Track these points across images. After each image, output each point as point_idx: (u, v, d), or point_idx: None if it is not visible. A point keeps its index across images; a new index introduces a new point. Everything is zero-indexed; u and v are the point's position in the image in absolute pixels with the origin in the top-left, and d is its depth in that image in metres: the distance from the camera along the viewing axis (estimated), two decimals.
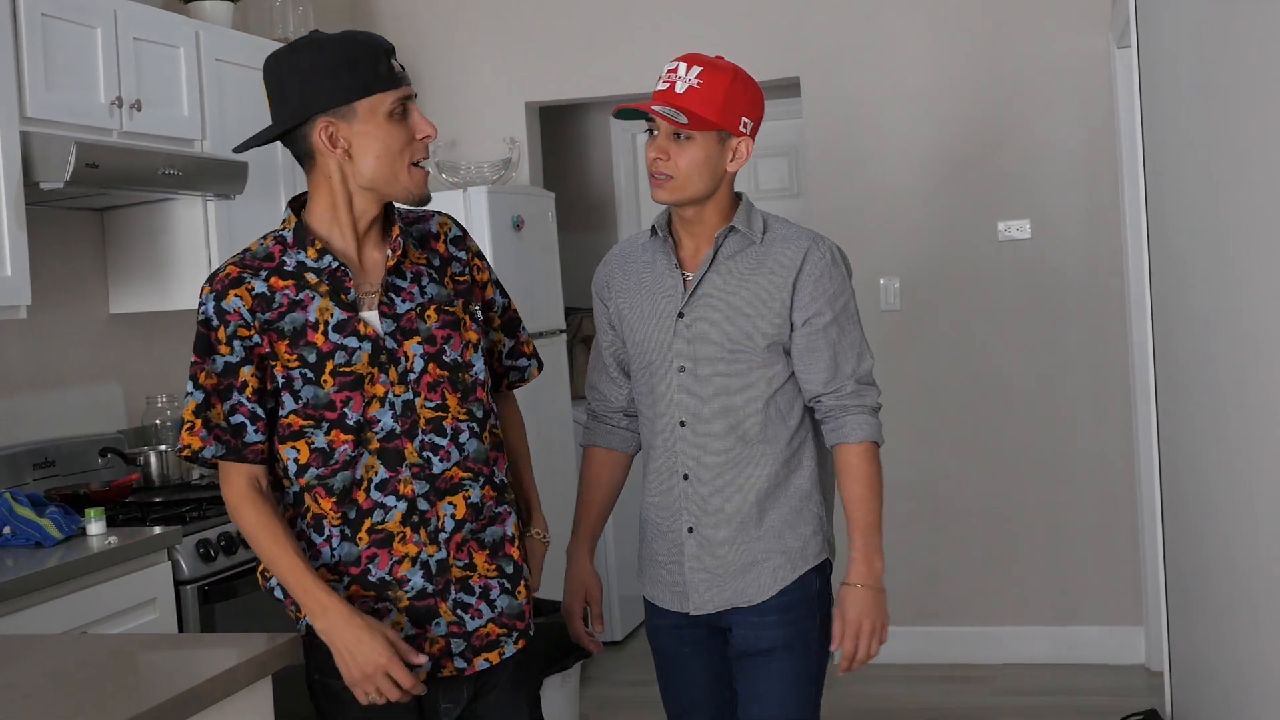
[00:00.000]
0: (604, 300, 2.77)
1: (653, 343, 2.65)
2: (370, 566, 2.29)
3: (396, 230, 2.33)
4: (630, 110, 2.59)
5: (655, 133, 2.58)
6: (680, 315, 2.62)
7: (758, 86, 2.61)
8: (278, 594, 2.35)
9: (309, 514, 2.30)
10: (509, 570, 2.39)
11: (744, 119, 2.56)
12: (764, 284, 2.59)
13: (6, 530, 3.13)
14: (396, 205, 2.37)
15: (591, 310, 7.01)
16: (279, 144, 4.26)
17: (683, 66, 2.56)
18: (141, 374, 4.24)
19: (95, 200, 3.85)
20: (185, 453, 2.27)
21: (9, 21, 3.31)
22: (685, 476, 2.63)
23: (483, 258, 2.50)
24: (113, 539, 3.15)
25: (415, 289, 2.34)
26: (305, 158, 2.30)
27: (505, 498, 2.41)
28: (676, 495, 2.65)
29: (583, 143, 6.66)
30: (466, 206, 4.97)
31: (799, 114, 5.50)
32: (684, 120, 2.51)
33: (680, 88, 2.55)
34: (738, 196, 2.66)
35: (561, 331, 5.60)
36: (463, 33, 5.66)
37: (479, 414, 2.37)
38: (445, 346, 2.34)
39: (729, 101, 2.54)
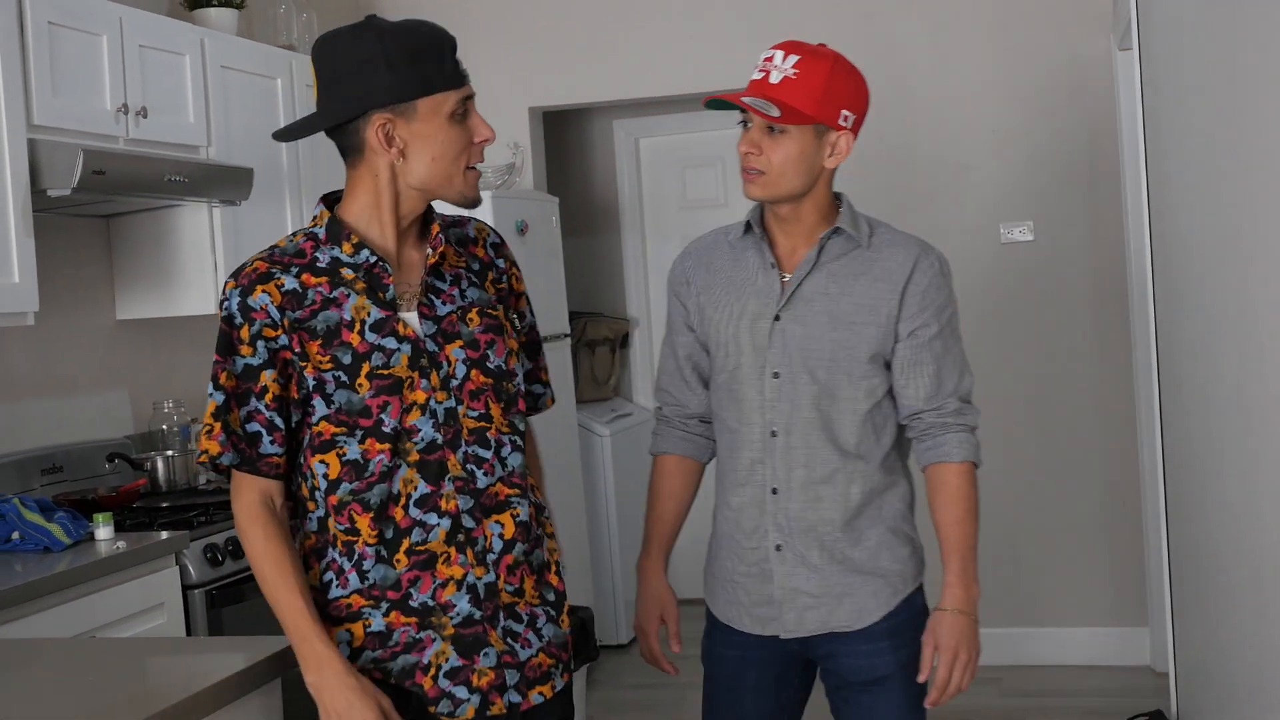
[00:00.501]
0: (682, 298, 2.59)
1: (742, 346, 2.48)
2: (412, 590, 2.09)
3: (436, 229, 2.17)
4: (720, 101, 2.41)
5: (749, 125, 2.42)
6: (776, 318, 2.46)
7: (861, 77, 2.44)
8: None
9: (339, 540, 2.11)
10: (551, 597, 2.23)
11: (844, 112, 2.40)
12: (870, 291, 2.44)
13: (15, 535, 3.14)
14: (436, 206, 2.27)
15: (596, 315, 6.92)
16: (283, 148, 4.32)
17: (779, 55, 2.41)
18: (148, 379, 4.26)
19: (101, 207, 3.87)
20: (203, 458, 2.10)
21: (16, 30, 3.32)
22: (774, 491, 2.47)
23: (519, 268, 2.35)
24: (121, 544, 3.16)
25: (456, 291, 2.17)
26: (352, 151, 2.12)
27: (543, 518, 2.27)
28: (763, 510, 2.48)
29: (586, 147, 6.68)
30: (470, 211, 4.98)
31: None
32: (776, 114, 2.35)
33: (775, 78, 2.39)
34: (838, 196, 2.52)
35: (566, 336, 5.62)
36: (466, 38, 5.63)
37: (520, 427, 2.23)
38: (489, 352, 2.17)
39: (828, 93, 2.37)
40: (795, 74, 2.37)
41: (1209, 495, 3.27)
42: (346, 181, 2.16)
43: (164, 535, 3.29)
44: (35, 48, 3.37)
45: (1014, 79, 5.16)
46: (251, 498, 2.11)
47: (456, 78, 2.10)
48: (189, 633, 3.29)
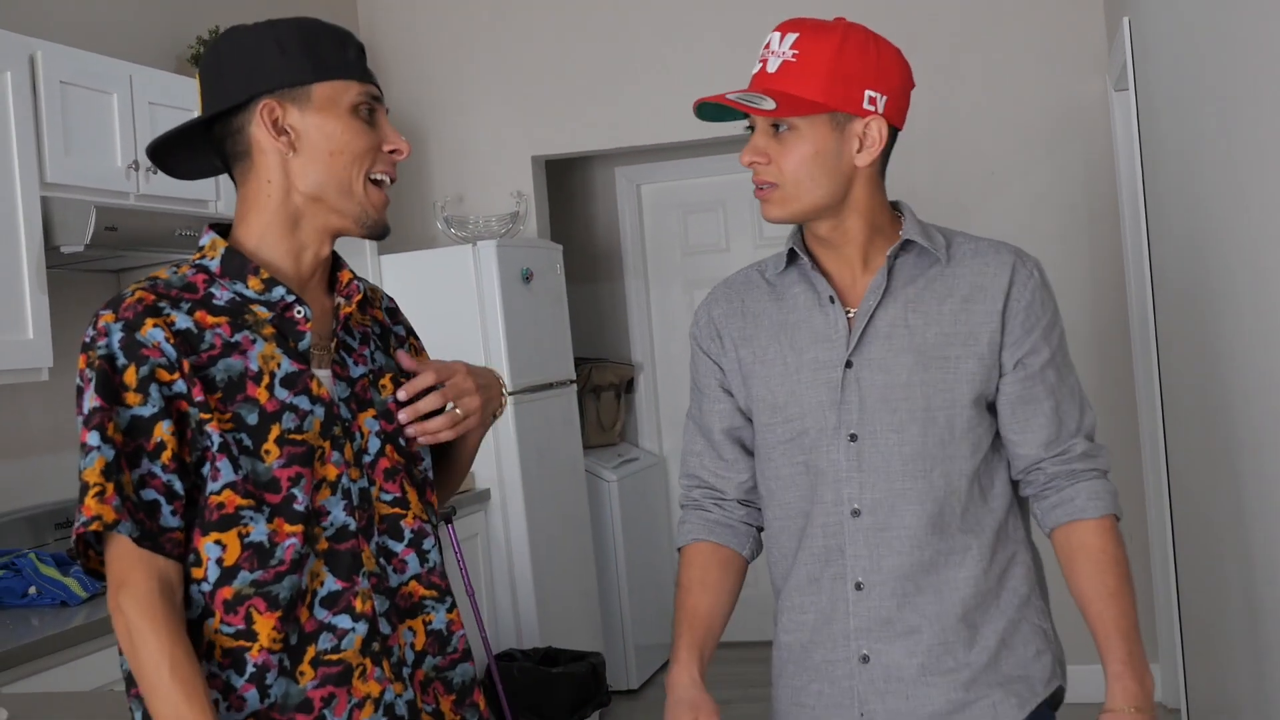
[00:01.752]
0: (713, 356, 2.08)
1: (805, 404, 1.97)
2: (325, 713, 1.67)
3: (348, 275, 1.83)
4: (711, 106, 1.94)
5: (753, 129, 1.95)
6: (848, 365, 1.95)
7: (888, 48, 1.93)
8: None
9: (218, 648, 1.66)
10: None
11: (869, 93, 1.89)
12: (963, 315, 1.93)
13: (32, 590, 3.16)
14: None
15: (601, 360, 6.86)
16: None
17: (776, 38, 1.92)
18: None
19: (113, 262, 3.91)
20: (95, 526, 1.59)
21: (29, 90, 3.37)
22: (859, 586, 1.94)
23: (417, 336, 1.97)
24: None
25: (366, 351, 1.82)
26: (239, 157, 1.76)
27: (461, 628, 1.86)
28: (843, 612, 1.96)
29: (589, 194, 6.73)
30: (476, 260, 5.02)
31: None
32: (770, 106, 1.87)
33: (773, 65, 1.91)
34: (896, 205, 2.03)
35: (571, 382, 5.65)
36: (468, 90, 5.74)
37: (433, 519, 1.85)
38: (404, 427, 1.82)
39: (839, 72, 1.87)
40: (795, 56, 1.89)
41: (1217, 529, 3.28)
42: (237, 203, 1.80)
43: None
44: (48, 107, 3.42)
45: (1011, 120, 5.21)
46: (149, 585, 1.61)
47: (361, 70, 1.76)
48: None
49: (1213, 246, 3.04)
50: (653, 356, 6.67)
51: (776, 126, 1.91)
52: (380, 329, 1.89)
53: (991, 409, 1.97)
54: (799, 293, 2.01)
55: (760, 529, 2.12)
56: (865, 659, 1.95)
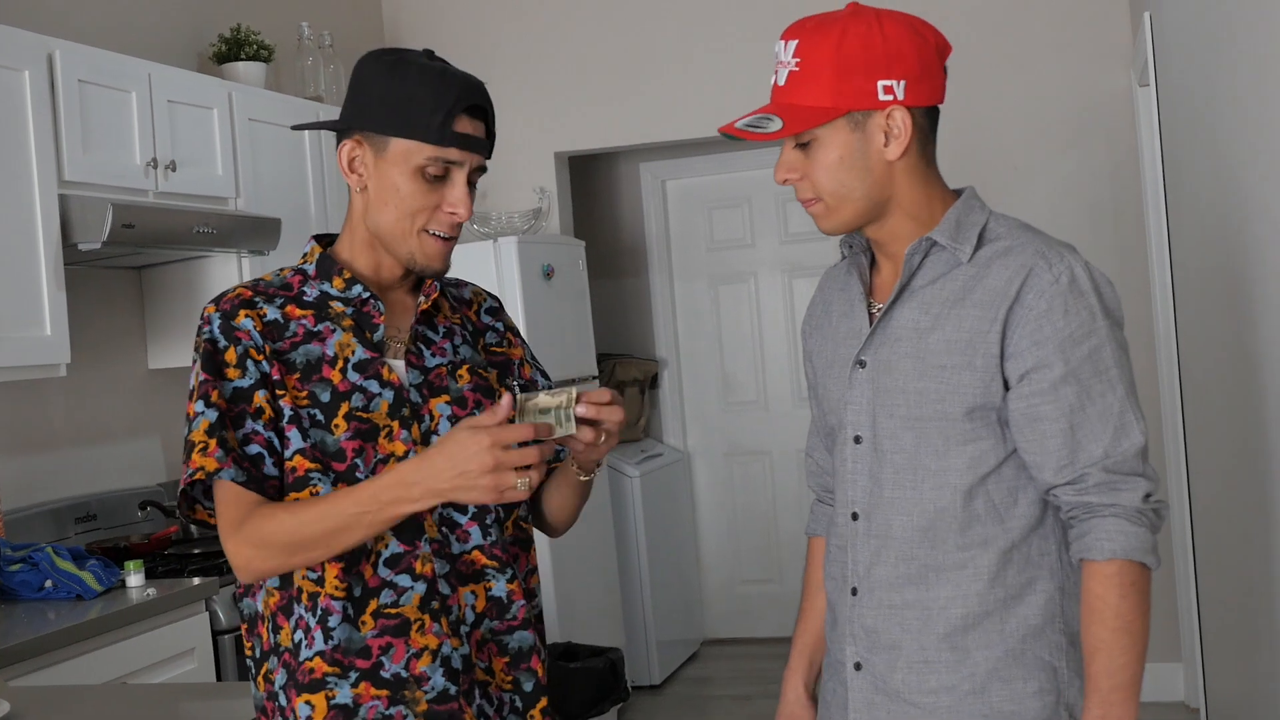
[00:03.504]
0: (806, 345, 2.10)
1: (830, 401, 1.97)
2: (383, 659, 1.86)
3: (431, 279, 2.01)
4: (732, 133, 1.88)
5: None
6: (859, 364, 1.91)
7: (894, 26, 1.83)
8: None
9: (304, 593, 1.88)
10: (527, 688, 1.98)
11: (881, 81, 1.81)
12: (967, 321, 1.82)
13: (49, 584, 3.20)
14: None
15: (625, 356, 6.90)
16: (310, 198, 4.40)
17: (781, 46, 1.86)
18: (180, 428, 4.30)
19: (133, 259, 3.94)
20: (198, 475, 1.82)
21: (47, 89, 3.40)
22: (854, 591, 1.92)
23: (518, 334, 2.15)
24: (151, 590, 3.21)
25: (447, 345, 2.01)
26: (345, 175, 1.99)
27: (535, 603, 2.03)
28: (845, 616, 1.94)
29: (614, 190, 6.74)
30: (497, 256, 5.04)
31: None
32: (776, 126, 1.81)
33: (782, 77, 1.84)
34: (957, 193, 1.96)
35: (594, 378, 5.65)
36: (490, 86, 5.69)
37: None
38: (475, 412, 1.95)
39: (842, 68, 1.80)
40: (798, 64, 1.83)
41: (1237, 529, 3.26)
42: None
43: (195, 581, 3.34)
44: (66, 106, 3.45)
45: (1036, 114, 5.18)
46: (250, 507, 1.85)
47: (442, 135, 1.87)
48: (219, 678, 3.33)
49: (1233, 244, 3.02)
50: (677, 352, 6.67)
51: (801, 141, 1.85)
52: (473, 327, 2.08)
53: (1003, 421, 1.83)
54: (852, 286, 1.99)
55: None
56: (858, 666, 1.92)
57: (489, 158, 1.95)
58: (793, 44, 1.83)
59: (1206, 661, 4.14)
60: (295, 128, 2.18)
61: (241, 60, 4.40)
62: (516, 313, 5.04)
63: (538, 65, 5.71)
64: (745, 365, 6.67)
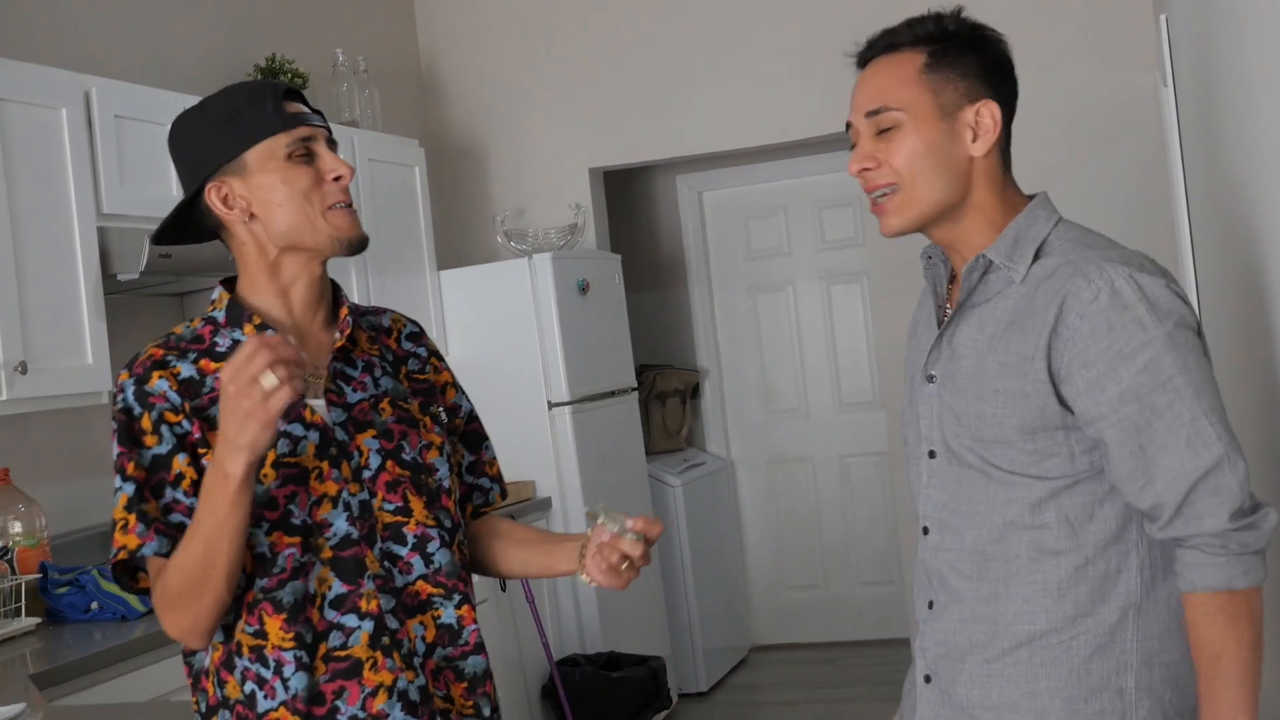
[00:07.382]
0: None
1: (910, 413, 1.95)
2: (338, 704, 1.87)
3: (345, 311, 2.00)
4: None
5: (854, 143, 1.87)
6: (930, 378, 1.89)
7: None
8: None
9: (243, 647, 1.88)
10: (486, 712, 2.01)
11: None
12: (1016, 345, 1.77)
13: (94, 605, 3.30)
14: (346, 293, 2.08)
15: (666, 367, 6.90)
16: None
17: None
18: None
19: (173, 286, 4.04)
20: (121, 555, 1.83)
21: (84, 125, 3.51)
22: (930, 604, 1.90)
23: (441, 358, 2.16)
24: None
25: (368, 379, 2.00)
26: (218, 229, 1.97)
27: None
28: (921, 629, 1.92)
29: (651, 203, 6.80)
30: (532, 273, 5.11)
31: None
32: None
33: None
34: (1030, 198, 1.91)
35: (634, 390, 5.71)
36: (525, 104, 5.84)
37: (447, 524, 2.01)
38: (403, 443, 1.98)
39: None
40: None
41: None
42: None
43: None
44: (103, 140, 3.55)
45: (1063, 114, 5.19)
46: None
47: (282, 121, 1.90)
48: None
49: (1247, 249, 3.03)
50: (718, 362, 6.72)
51: (881, 128, 1.82)
52: (393, 356, 2.07)
53: (1074, 439, 1.76)
54: (929, 295, 1.97)
55: None
56: (928, 679, 1.90)
57: (330, 132, 1.97)
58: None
59: None
60: (154, 237, 2.03)
61: None
62: (552, 328, 5.11)
63: (572, 84, 5.78)
64: (786, 373, 6.71)
